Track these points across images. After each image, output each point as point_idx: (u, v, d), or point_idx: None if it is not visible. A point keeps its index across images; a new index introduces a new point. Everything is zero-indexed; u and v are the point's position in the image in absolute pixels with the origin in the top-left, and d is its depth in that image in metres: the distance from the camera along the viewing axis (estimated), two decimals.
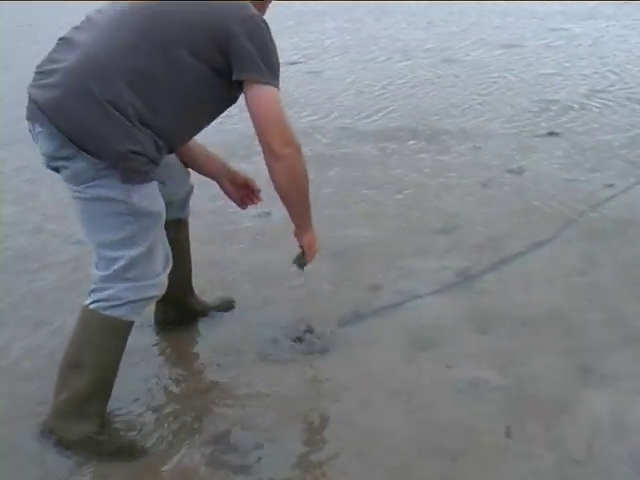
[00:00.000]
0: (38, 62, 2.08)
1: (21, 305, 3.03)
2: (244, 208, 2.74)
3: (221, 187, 2.62)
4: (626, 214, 3.60)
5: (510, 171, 4.19)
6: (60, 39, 2.13)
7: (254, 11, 2.11)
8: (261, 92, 2.11)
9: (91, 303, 2.13)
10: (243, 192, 2.64)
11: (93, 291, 2.14)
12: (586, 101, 5.61)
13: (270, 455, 2.12)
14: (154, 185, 2.13)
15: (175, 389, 2.49)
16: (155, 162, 2.10)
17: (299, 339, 2.69)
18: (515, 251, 3.27)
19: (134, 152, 2.01)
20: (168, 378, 2.55)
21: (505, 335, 2.68)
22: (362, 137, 4.91)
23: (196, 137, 2.39)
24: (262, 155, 2.18)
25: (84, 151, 1.97)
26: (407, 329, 2.74)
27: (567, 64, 7.06)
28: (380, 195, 3.96)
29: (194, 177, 2.59)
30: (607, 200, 3.76)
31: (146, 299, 2.18)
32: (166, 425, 2.28)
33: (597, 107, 5.45)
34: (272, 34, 2.13)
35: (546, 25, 9.80)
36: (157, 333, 2.79)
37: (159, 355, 2.70)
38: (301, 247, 2.50)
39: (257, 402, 2.37)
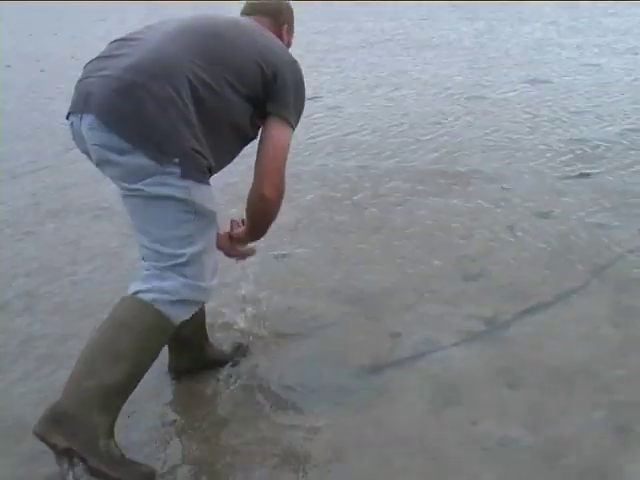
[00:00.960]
0: None
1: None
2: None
3: None
4: None
5: (539, 214, 4.04)
6: (114, 41, 2.20)
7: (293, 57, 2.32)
8: (281, 133, 2.24)
9: (144, 292, 2.08)
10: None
11: (146, 279, 2.10)
12: (620, 140, 5.45)
13: None
14: (211, 188, 2.17)
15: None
16: (210, 169, 2.14)
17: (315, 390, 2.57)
18: (544, 300, 3.11)
19: (197, 151, 2.06)
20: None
21: (535, 390, 2.53)
22: (384, 177, 4.77)
23: None
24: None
25: (146, 146, 1.98)
26: (430, 382, 2.60)
27: (599, 101, 6.95)
28: (402, 238, 3.83)
29: None
30: None
31: (197, 302, 2.20)
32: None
33: (632, 147, 5.29)
34: None
35: (578, 60, 9.73)
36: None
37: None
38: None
39: (268, 453, 2.26)
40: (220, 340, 2.85)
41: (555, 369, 2.63)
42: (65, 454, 1.96)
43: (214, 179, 2.23)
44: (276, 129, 2.24)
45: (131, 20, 13.40)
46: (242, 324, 2.97)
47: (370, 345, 2.84)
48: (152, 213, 2.09)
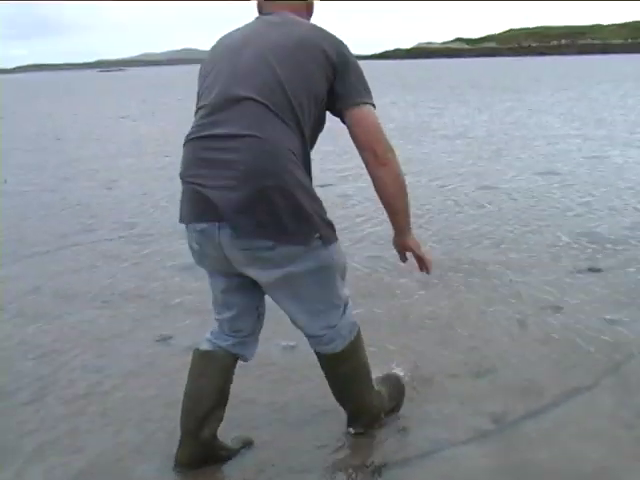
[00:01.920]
0: None
1: None
2: None
3: None
4: None
5: (548, 308, 4.01)
6: (204, 113, 2.33)
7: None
8: (365, 110, 2.37)
9: (325, 348, 2.53)
10: None
11: (331, 339, 2.51)
12: (630, 234, 5.47)
13: None
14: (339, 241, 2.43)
15: None
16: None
17: None
18: (554, 397, 3.04)
19: (325, 216, 2.32)
20: None
21: None
22: (394, 267, 4.74)
23: None
24: None
25: (291, 238, 2.22)
26: None
27: (608, 194, 7.01)
28: (410, 331, 3.78)
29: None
30: None
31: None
32: None
33: None
34: None
35: (586, 151, 9.87)
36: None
37: None
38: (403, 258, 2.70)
39: None
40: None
41: (568, 470, 2.55)
42: None
43: None
44: (358, 114, 2.38)
45: None
46: None
47: (377, 442, 2.77)
48: (307, 286, 2.37)
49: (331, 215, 2.40)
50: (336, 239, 2.39)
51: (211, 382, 2.58)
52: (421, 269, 2.70)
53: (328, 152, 9.37)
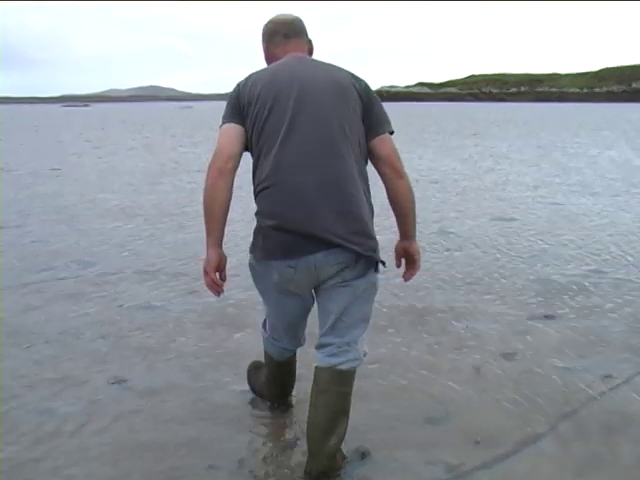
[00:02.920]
0: None
1: None
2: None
3: None
4: (627, 408, 3.42)
5: (504, 356, 4.04)
6: (272, 168, 2.65)
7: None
8: (387, 137, 2.82)
9: (346, 363, 2.81)
10: None
11: (346, 353, 2.81)
12: (584, 282, 5.57)
13: None
14: None
15: None
16: None
17: None
18: (509, 446, 3.06)
19: None
20: None
21: None
22: None
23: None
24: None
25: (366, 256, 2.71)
26: None
27: (562, 241, 7.14)
28: (365, 377, 3.74)
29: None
30: (606, 392, 3.58)
31: None
32: None
33: (595, 289, 5.39)
34: None
35: (540, 198, 10.07)
36: None
37: None
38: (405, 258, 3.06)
39: None
40: None
41: None
42: None
43: None
44: (387, 140, 2.82)
45: None
46: None
47: None
48: (363, 298, 2.82)
49: None
50: None
51: (293, 372, 3.35)
52: (407, 276, 3.07)
53: None
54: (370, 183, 2.81)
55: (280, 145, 2.65)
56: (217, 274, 2.81)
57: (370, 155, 2.82)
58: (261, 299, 3.04)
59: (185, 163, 15.69)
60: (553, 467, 2.92)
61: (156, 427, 3.25)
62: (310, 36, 3.03)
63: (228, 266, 2.85)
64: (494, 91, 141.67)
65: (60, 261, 6.42)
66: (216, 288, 2.81)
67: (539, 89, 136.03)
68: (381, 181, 2.84)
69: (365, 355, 2.92)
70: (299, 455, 3.00)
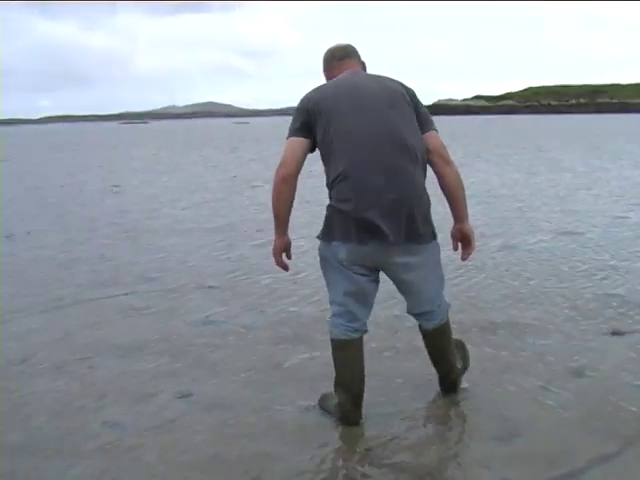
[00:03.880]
0: None
1: None
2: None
3: None
4: None
5: (571, 373, 3.95)
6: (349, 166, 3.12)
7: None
8: (434, 133, 3.34)
9: (443, 319, 3.48)
10: None
11: (440, 314, 3.46)
12: None
13: None
14: None
15: None
16: None
17: None
18: (578, 465, 2.99)
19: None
20: None
21: None
22: (415, 328, 4.68)
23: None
24: None
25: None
26: None
27: (629, 254, 6.98)
28: (431, 397, 3.73)
29: None
30: None
31: None
32: None
33: None
34: None
35: (607, 212, 9.84)
36: None
37: None
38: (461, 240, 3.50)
39: None
40: None
41: None
42: None
43: None
44: (436, 136, 3.34)
45: None
46: None
47: None
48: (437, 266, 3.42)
49: None
50: None
51: (361, 363, 3.41)
52: (464, 256, 3.52)
53: None
54: None
55: (349, 143, 3.14)
56: (284, 255, 3.42)
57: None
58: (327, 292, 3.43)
59: (246, 177, 15.86)
60: None
61: (221, 442, 3.28)
62: (363, 58, 3.56)
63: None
64: (553, 103, 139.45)
65: (124, 276, 6.56)
66: (283, 266, 3.45)
67: (600, 100, 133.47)
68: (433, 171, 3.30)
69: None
70: (365, 471, 2.99)
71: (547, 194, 11.98)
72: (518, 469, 2.98)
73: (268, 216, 3.54)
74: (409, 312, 3.53)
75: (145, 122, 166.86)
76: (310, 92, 3.32)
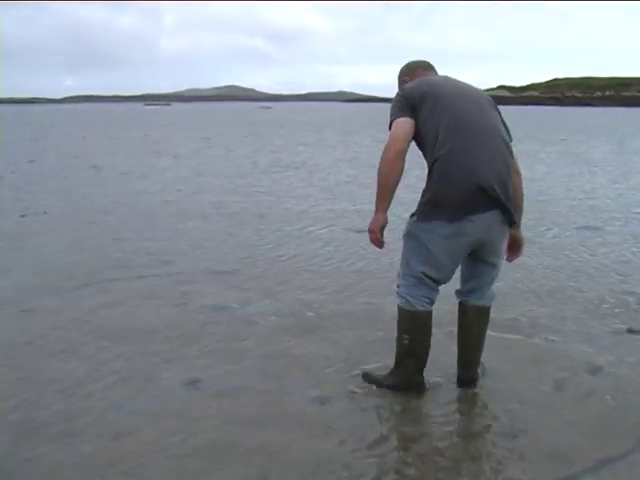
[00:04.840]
0: None
1: None
2: None
3: None
4: None
5: (585, 370, 3.90)
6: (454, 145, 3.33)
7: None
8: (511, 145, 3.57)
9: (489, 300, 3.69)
10: None
11: (491, 297, 3.70)
12: None
13: None
14: None
15: None
16: None
17: None
18: (587, 465, 2.95)
19: None
20: None
21: None
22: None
23: None
24: None
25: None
26: None
27: None
28: (439, 391, 3.70)
29: None
30: None
31: None
32: None
33: None
34: None
35: (629, 207, 9.72)
36: None
37: None
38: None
39: None
40: None
41: None
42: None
43: None
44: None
45: None
46: None
47: None
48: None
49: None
50: None
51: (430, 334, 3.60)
52: (511, 257, 3.71)
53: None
54: None
55: (457, 130, 3.34)
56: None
57: None
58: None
59: (266, 165, 15.84)
60: None
61: (228, 429, 3.27)
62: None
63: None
64: (578, 95, 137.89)
65: (138, 258, 6.57)
66: (380, 244, 3.50)
67: (626, 93, 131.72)
68: None
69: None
70: (370, 462, 2.97)
71: (568, 188, 11.83)
72: (525, 466, 2.95)
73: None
74: (461, 290, 3.69)
75: (168, 104, 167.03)
76: (410, 84, 3.56)
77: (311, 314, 4.91)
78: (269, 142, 24.25)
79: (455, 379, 3.77)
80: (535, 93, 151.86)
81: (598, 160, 17.24)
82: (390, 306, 4.55)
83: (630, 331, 4.53)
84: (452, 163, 3.31)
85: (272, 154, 18.80)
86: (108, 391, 3.68)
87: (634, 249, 7.02)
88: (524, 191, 3.66)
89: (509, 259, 3.70)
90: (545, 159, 17.41)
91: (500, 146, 3.40)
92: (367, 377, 3.77)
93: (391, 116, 3.45)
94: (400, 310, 3.56)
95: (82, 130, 33.85)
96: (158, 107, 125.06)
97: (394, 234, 4.31)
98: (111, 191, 11.29)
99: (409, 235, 3.50)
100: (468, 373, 3.73)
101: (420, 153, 3.52)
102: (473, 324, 3.67)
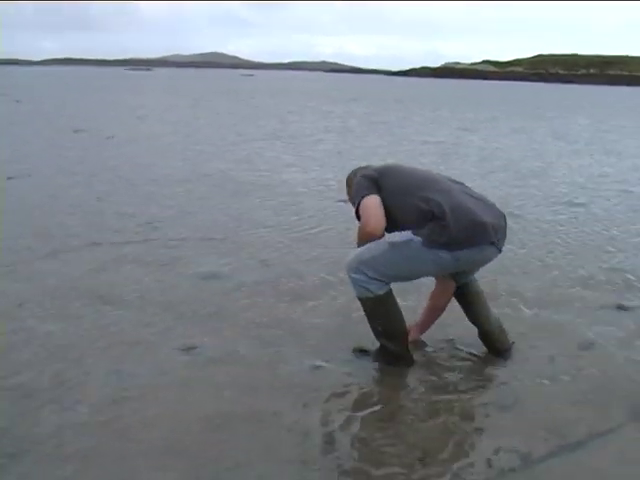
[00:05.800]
0: None
1: None
2: None
3: None
4: None
5: (576, 345, 3.95)
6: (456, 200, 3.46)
7: None
8: None
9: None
10: None
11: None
12: None
13: None
14: None
15: None
16: None
17: None
18: (580, 438, 3.00)
19: None
20: None
21: None
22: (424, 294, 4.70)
23: None
24: None
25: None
26: None
27: (633, 229, 6.94)
28: (435, 365, 3.74)
29: None
30: None
31: None
32: None
33: None
34: None
35: (611, 184, 9.80)
36: None
37: None
38: None
39: None
40: None
41: None
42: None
43: None
44: None
45: None
46: None
47: (398, 473, 2.74)
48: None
49: None
50: None
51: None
52: None
53: None
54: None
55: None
56: None
57: None
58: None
59: (251, 134, 15.74)
60: (626, 461, 2.86)
61: (224, 397, 3.28)
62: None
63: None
64: (562, 72, 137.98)
65: (129, 223, 6.53)
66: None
67: (610, 72, 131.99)
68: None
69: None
70: (361, 429, 3.02)
71: (552, 164, 11.89)
72: (516, 437, 2.99)
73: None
74: (462, 281, 3.82)
75: (149, 69, 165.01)
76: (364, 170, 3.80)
77: (304, 283, 4.91)
78: (253, 111, 24.04)
79: (444, 348, 3.87)
80: (519, 69, 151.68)
81: (580, 138, 17.31)
82: None
83: (619, 307, 4.59)
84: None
85: (256, 123, 18.67)
86: (102, 356, 3.66)
87: (620, 226, 7.07)
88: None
89: None
90: (525, 134, 17.46)
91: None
92: (360, 351, 3.77)
93: (358, 196, 3.60)
94: (362, 300, 3.55)
95: (62, 93, 33.36)
96: (140, 72, 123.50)
97: None
98: (96, 155, 11.18)
99: (401, 249, 3.44)
100: (494, 330, 3.83)
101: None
102: (479, 296, 3.85)
